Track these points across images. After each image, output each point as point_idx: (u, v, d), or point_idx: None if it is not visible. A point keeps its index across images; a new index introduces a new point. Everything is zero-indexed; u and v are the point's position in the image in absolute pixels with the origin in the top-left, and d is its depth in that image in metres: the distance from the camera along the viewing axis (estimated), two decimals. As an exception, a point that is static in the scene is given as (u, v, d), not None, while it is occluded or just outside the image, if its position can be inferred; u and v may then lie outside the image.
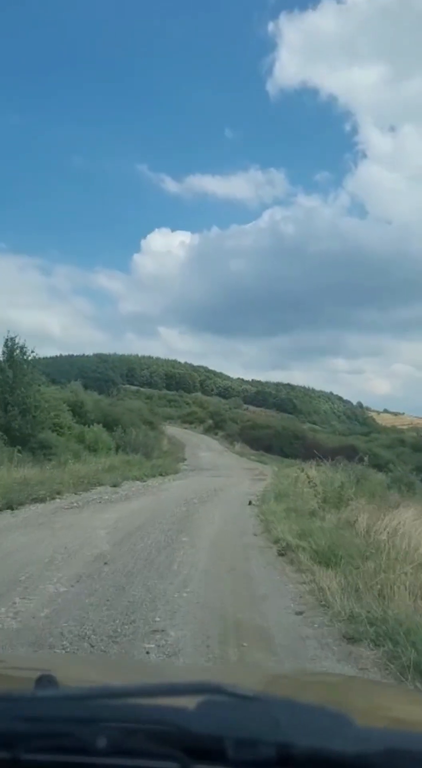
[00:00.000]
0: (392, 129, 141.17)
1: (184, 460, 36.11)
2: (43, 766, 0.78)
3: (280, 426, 48.36)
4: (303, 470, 18.52)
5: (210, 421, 58.18)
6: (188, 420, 62.72)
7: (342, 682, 2.04)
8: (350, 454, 45.02)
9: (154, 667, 2.73)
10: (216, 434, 53.21)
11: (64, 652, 4.40)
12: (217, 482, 21.89)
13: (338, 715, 0.76)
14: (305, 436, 48.02)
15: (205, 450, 43.95)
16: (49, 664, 1.66)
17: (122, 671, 1.88)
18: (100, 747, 0.74)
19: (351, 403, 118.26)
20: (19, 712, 0.78)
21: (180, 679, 1.36)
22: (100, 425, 31.10)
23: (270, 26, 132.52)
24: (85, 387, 47.56)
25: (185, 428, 58.94)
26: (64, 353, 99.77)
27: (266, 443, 46.47)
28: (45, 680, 0.88)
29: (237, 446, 45.44)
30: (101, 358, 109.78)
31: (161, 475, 24.07)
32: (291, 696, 1.15)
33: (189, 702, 0.76)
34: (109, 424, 33.44)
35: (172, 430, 53.95)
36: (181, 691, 0.82)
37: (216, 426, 55.91)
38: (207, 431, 55.84)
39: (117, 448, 30.60)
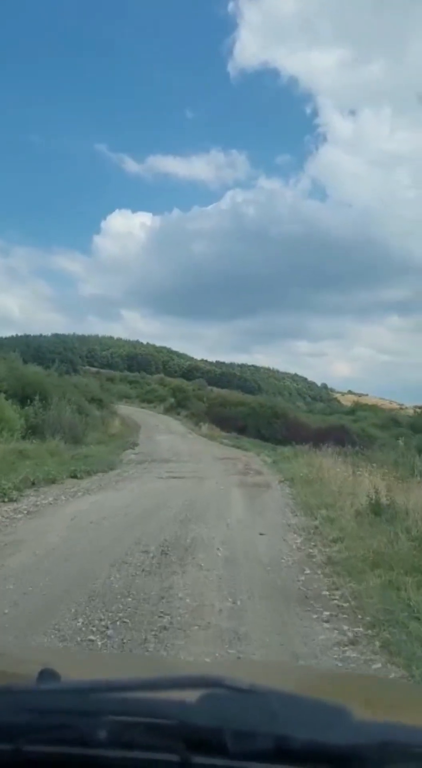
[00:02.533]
0: (352, 113, 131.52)
1: (135, 446, 24.46)
2: (44, 758, 0.74)
3: (256, 403, 36.97)
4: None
5: (171, 400, 46.47)
6: (147, 399, 51.03)
7: (340, 677, 2.06)
8: (339, 435, 33.64)
9: (155, 662, 2.50)
10: (178, 414, 41.57)
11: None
12: (177, 495, 10.13)
13: (335, 708, 0.73)
14: (286, 415, 36.68)
15: (165, 432, 32.45)
16: (51, 659, 1.49)
17: (123, 665, 1.78)
18: (100, 739, 0.71)
19: (316, 385, 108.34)
20: (21, 705, 0.75)
21: (180, 674, 1.28)
22: (5, 397, 18.91)
23: (231, 6, 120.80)
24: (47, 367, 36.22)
25: (143, 408, 47.41)
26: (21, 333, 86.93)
27: (239, 423, 35.04)
28: (47, 674, 0.85)
29: (205, 427, 33.83)
30: (59, 339, 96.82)
31: (75, 476, 12.30)
32: (290, 690, 0.96)
33: (189, 695, 0.73)
34: (28, 397, 20.97)
35: (128, 410, 42.74)
36: (181, 685, 0.79)
37: (178, 405, 44.24)
38: (168, 411, 44.16)
39: (29, 430, 18.54)
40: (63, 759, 0.74)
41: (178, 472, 14.55)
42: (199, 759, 0.71)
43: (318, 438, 39.58)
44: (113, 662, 1.98)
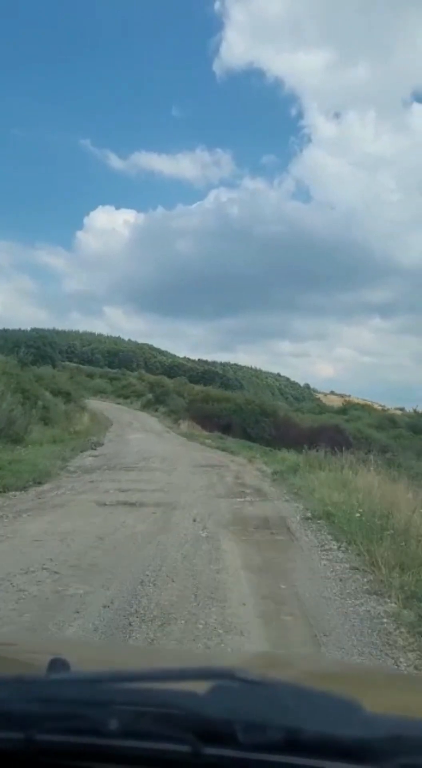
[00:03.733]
0: (337, 115, 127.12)
1: (98, 446, 19.11)
2: (56, 747, 0.72)
3: (243, 399, 31.60)
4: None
5: (149, 395, 40.93)
6: (123, 394, 45.44)
7: (351, 669, 1.92)
8: (334, 436, 28.28)
9: (165, 653, 2.41)
10: (156, 410, 36.07)
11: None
12: (103, 566, 4.17)
13: (345, 701, 0.71)
14: (276, 414, 31.36)
15: (139, 430, 27.05)
16: (62, 649, 1.48)
17: (134, 656, 1.74)
18: (112, 729, 0.70)
19: (299, 385, 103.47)
20: (33, 694, 0.74)
21: (191, 665, 1.19)
22: None
23: (217, 5, 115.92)
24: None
25: (119, 404, 41.84)
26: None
27: (223, 421, 29.69)
28: (58, 664, 0.82)
29: (184, 425, 28.43)
30: (39, 333, 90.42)
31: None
32: (301, 682, 0.96)
33: (200, 687, 0.71)
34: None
35: (101, 405, 37.40)
36: (193, 676, 0.77)
37: (157, 401, 38.73)
38: (145, 407, 38.68)
39: None
40: (74, 748, 0.72)
41: (136, 490, 9.17)
42: (209, 750, 0.69)
43: (311, 439, 34.39)
44: (123, 653, 1.91)
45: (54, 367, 46.03)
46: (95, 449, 19.41)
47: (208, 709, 0.69)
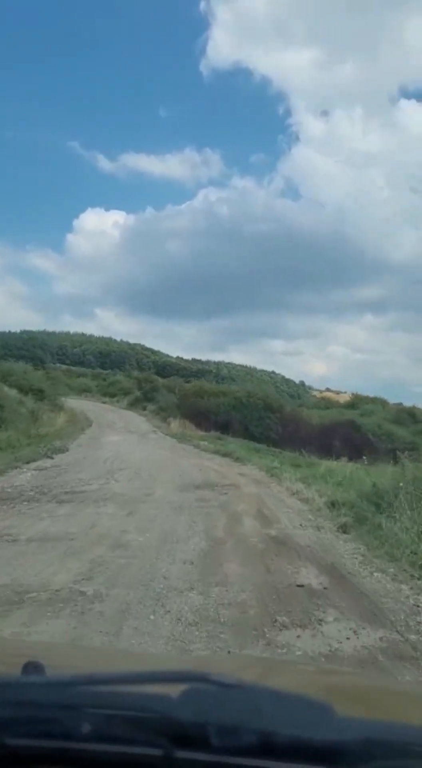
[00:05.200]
0: (325, 113, 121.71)
1: (61, 452, 13.38)
2: (27, 751, 0.69)
3: (244, 393, 25.82)
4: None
5: (137, 393, 35.10)
6: (109, 392, 39.69)
7: (324, 672, 1.88)
8: (349, 433, 22.05)
9: (140, 656, 2.32)
10: (144, 408, 30.33)
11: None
12: None
13: (319, 704, 0.69)
14: (283, 409, 25.63)
15: (120, 432, 21.42)
16: (36, 652, 1.36)
17: (109, 659, 1.58)
18: (84, 732, 0.66)
19: (294, 382, 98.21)
20: (4, 698, 0.70)
21: (165, 668, 1.18)
22: None
23: (203, 5, 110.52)
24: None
25: (105, 402, 36.13)
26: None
27: (221, 419, 23.98)
28: (32, 667, 0.79)
29: (175, 424, 22.69)
30: (29, 335, 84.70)
31: None
32: (275, 685, 0.95)
33: (173, 690, 0.68)
34: None
35: (84, 404, 31.62)
36: (166, 679, 0.74)
37: (145, 398, 32.92)
38: (132, 405, 32.90)
39: None
40: (45, 752, 0.69)
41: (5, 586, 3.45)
42: (182, 753, 0.66)
43: (323, 437, 28.71)
44: (99, 656, 1.72)
45: (43, 367, 40.13)
46: (52, 457, 13.80)
47: (181, 712, 0.66)
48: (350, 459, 25.88)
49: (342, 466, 8.66)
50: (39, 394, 24.30)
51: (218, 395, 25.39)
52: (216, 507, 6.32)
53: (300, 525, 5.62)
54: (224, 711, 0.66)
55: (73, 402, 31.25)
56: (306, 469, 9.83)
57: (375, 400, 35.24)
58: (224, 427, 23.49)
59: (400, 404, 33.73)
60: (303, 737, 0.64)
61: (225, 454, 13.51)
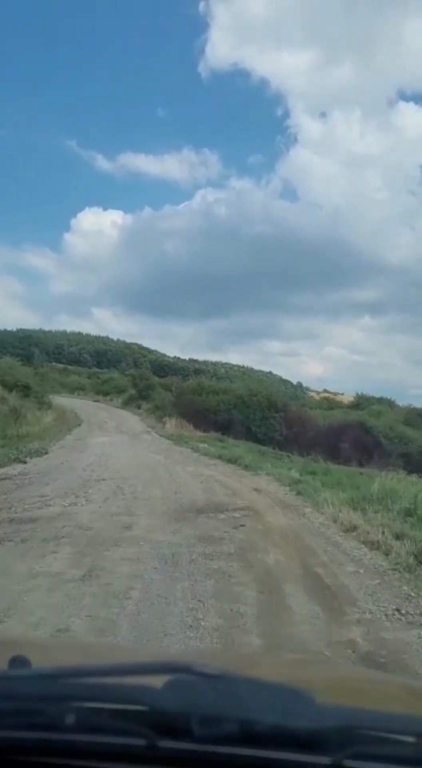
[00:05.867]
0: (322, 115, 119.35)
1: (37, 455, 10.65)
2: (12, 743, 0.68)
3: (246, 390, 23.28)
4: None
5: (132, 391, 32.57)
6: (103, 390, 37.22)
7: (304, 662, 1.81)
8: (359, 435, 19.77)
9: (125, 650, 2.21)
10: (139, 407, 27.85)
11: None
12: None
13: (299, 693, 0.69)
14: (287, 409, 23.15)
15: (110, 432, 19.01)
16: (24, 648, 1.24)
17: (94, 653, 1.57)
18: (68, 724, 0.66)
19: (291, 383, 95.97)
20: None
21: (148, 659, 1.11)
22: None
23: (202, 5, 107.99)
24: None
25: (97, 401, 33.71)
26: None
27: (221, 418, 21.47)
28: (17, 661, 0.77)
29: (171, 423, 20.19)
30: (25, 334, 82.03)
31: None
32: (256, 675, 0.99)
33: (157, 681, 0.68)
34: None
35: (76, 402, 29.37)
36: (149, 671, 0.73)
37: (140, 396, 30.40)
38: (127, 404, 30.42)
39: None
40: (31, 744, 0.68)
41: None
42: (165, 743, 0.66)
43: (331, 439, 26.21)
44: (84, 650, 1.67)
45: (31, 364, 37.45)
46: (26, 462, 11.42)
47: (164, 703, 0.65)
48: (360, 463, 23.49)
49: (399, 481, 6.20)
50: (25, 390, 21.82)
51: (218, 393, 22.90)
52: (233, 558, 3.84)
53: (397, 612, 3.09)
54: (207, 701, 0.65)
55: (63, 400, 28.84)
56: (361, 482, 7.26)
57: (381, 401, 32.77)
58: (224, 428, 21.02)
59: (410, 405, 31.21)
60: (284, 725, 0.63)
61: (229, 460, 11.02)
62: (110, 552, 3.93)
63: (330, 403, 36.34)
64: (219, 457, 11.72)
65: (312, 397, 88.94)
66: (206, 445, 15.04)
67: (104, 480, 8.07)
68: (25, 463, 11.48)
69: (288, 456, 18.45)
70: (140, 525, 4.87)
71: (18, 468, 10.58)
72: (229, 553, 3.97)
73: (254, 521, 5.08)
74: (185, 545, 4.16)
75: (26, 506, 5.74)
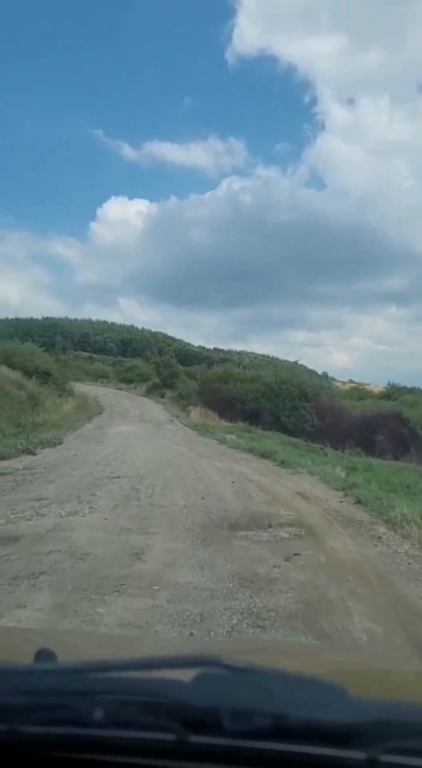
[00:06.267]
0: (350, 101, 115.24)
1: (51, 445, 9.24)
2: (39, 738, 0.68)
3: (274, 378, 21.70)
4: None
5: (156, 379, 31.28)
6: (126, 378, 36.03)
7: (336, 653, 1.80)
8: (395, 427, 18.19)
9: (151, 642, 2.14)
10: (163, 395, 26.54)
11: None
12: None
13: (331, 686, 0.67)
14: (318, 397, 21.55)
15: (133, 421, 17.68)
16: (49, 639, 1.33)
17: (121, 646, 1.53)
18: (96, 719, 0.65)
19: (317, 373, 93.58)
20: (17, 685, 0.69)
21: (176, 653, 1.09)
22: None
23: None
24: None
25: (120, 389, 32.50)
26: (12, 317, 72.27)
27: (249, 408, 20.00)
28: (44, 654, 0.76)
29: (195, 413, 18.77)
30: (51, 322, 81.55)
31: None
32: (286, 667, 0.90)
33: (185, 675, 0.66)
34: None
35: (99, 390, 27.84)
36: (178, 664, 0.72)
37: (164, 384, 29.09)
38: (150, 392, 29.12)
39: None
40: (58, 739, 0.67)
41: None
42: (195, 738, 0.64)
43: (364, 430, 24.51)
44: (110, 642, 1.64)
45: (52, 350, 36.32)
46: (35, 453, 10.20)
47: (194, 697, 0.64)
48: (395, 456, 21.81)
49: None
50: (45, 377, 20.66)
51: (245, 381, 21.39)
52: (297, 625, 2.35)
53: None
54: (236, 695, 0.64)
55: (86, 388, 27.73)
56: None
57: (413, 391, 30.81)
58: (252, 418, 19.55)
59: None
60: (315, 719, 0.62)
61: (262, 454, 9.56)
62: (106, 606, 2.57)
63: (359, 393, 34.36)
64: (250, 451, 10.27)
65: (337, 387, 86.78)
66: (234, 437, 13.61)
67: (118, 478, 6.72)
68: (34, 454, 10.23)
69: (321, 448, 16.91)
70: (155, 551, 3.50)
71: (25, 461, 9.34)
72: (289, 614, 2.55)
73: (311, 546, 3.64)
74: (220, 594, 2.77)
75: (13, 515, 4.42)
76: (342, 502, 5.26)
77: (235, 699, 0.63)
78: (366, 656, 1.98)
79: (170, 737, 0.63)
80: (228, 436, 13.75)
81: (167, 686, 0.65)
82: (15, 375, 18.63)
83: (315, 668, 1.16)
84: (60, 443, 11.70)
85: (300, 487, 6.23)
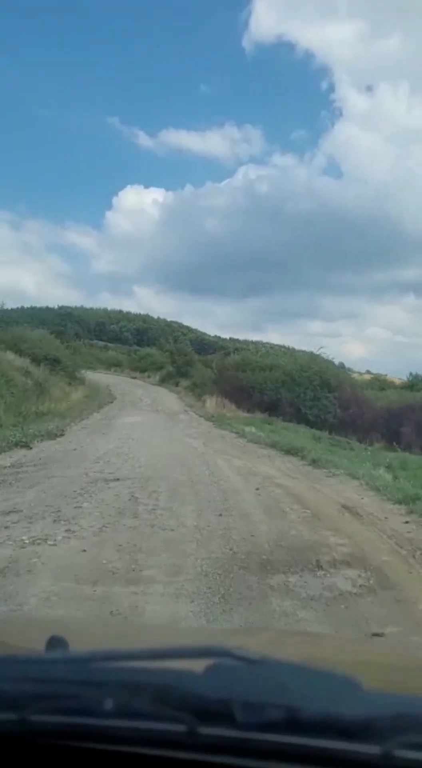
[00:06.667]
0: (369, 88, 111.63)
1: (51, 437, 7.76)
2: (49, 727, 0.67)
3: (295, 366, 20.17)
4: None
5: (170, 368, 29.94)
6: (140, 366, 34.74)
7: (351, 645, 1.66)
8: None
9: (163, 631, 1.98)
10: (177, 384, 25.21)
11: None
12: None
13: (346, 679, 0.65)
14: (342, 386, 20.04)
15: (145, 411, 16.43)
16: (61, 627, 1.20)
17: (131, 635, 1.49)
18: (106, 709, 0.64)
19: (334, 364, 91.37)
20: (27, 674, 0.68)
21: (188, 643, 1.08)
22: None
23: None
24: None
25: (134, 377, 31.24)
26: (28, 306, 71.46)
27: (268, 398, 18.55)
28: (55, 642, 0.75)
29: (211, 402, 17.43)
30: (65, 311, 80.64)
31: None
32: (300, 659, 0.92)
33: (197, 665, 0.65)
34: None
35: (111, 379, 26.85)
36: (189, 655, 0.70)
37: (179, 373, 27.74)
38: (164, 381, 27.80)
39: None
40: (68, 729, 0.66)
41: None
42: (206, 730, 0.62)
43: (390, 422, 22.89)
44: (121, 631, 1.61)
45: (62, 337, 34.97)
46: (31, 447, 9.11)
47: (205, 688, 0.63)
48: (422, 449, 20.26)
49: None
50: (54, 364, 19.40)
51: (264, 369, 19.91)
52: None
53: None
54: (249, 687, 0.63)
55: (99, 376, 26.54)
56: None
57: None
58: (271, 408, 18.11)
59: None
60: (330, 712, 0.60)
61: (288, 450, 8.14)
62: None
63: (380, 383, 32.59)
64: (273, 446, 8.86)
65: (355, 378, 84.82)
66: (253, 429, 12.22)
67: (117, 481, 5.39)
68: (29, 448, 8.96)
69: (347, 442, 15.45)
70: (146, 617, 2.17)
71: (16, 456, 8.07)
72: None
73: (395, 613, 2.25)
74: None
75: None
76: (407, 522, 3.85)
77: (247, 691, 0.62)
78: (382, 647, 1.91)
79: (181, 728, 0.62)
80: (247, 429, 12.35)
81: (178, 677, 0.65)
82: (21, 361, 17.37)
83: (330, 659, 1.13)
84: (61, 435, 10.44)
85: (343, 497, 4.83)
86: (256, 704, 0.61)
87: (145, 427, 11.90)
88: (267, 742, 0.61)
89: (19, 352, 18.08)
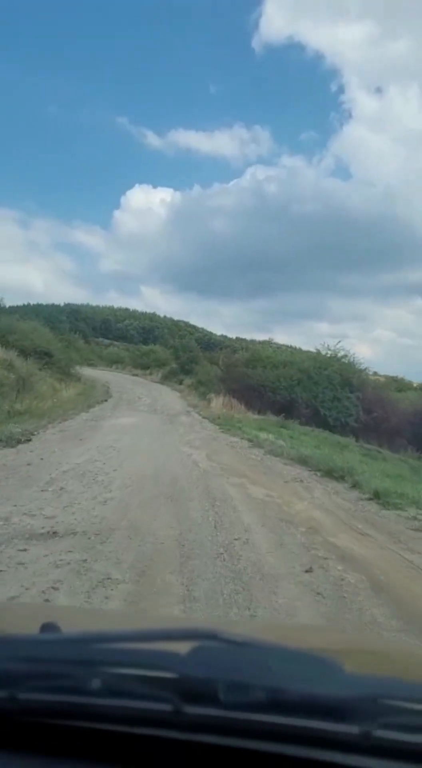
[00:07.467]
0: (378, 90, 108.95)
1: (10, 445, 4.69)
2: (38, 705, 0.68)
3: (311, 363, 17.57)
4: None
5: (173, 364, 27.44)
6: (142, 363, 32.29)
7: (332, 632, 1.77)
8: None
9: (153, 618, 2.06)
10: (180, 382, 22.71)
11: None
12: None
13: (328, 662, 0.67)
14: (364, 386, 17.43)
15: (142, 411, 13.69)
16: (54, 615, 1.12)
17: (124, 621, 1.49)
18: (94, 688, 0.65)
19: (351, 362, 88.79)
20: (18, 654, 0.70)
21: (174, 626, 1.17)
22: None
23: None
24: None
25: (136, 375, 28.81)
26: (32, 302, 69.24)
27: (281, 398, 15.99)
28: (49, 628, 0.77)
29: (217, 402, 14.84)
30: (72, 309, 78.29)
31: None
32: (284, 643, 0.90)
33: (183, 647, 0.66)
34: None
35: (111, 376, 24.23)
36: (176, 637, 0.72)
37: (182, 370, 25.24)
38: (166, 378, 25.31)
39: None
40: (57, 707, 0.67)
41: None
42: (191, 709, 0.64)
43: (418, 426, 20.02)
44: (114, 618, 1.63)
45: (57, 332, 32.48)
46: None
47: (190, 669, 0.64)
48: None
49: None
50: (44, 358, 16.93)
51: (277, 366, 17.35)
52: None
53: None
54: (233, 668, 0.64)
55: (99, 373, 24.12)
56: None
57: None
58: (285, 409, 15.56)
59: None
60: (312, 693, 0.62)
61: (328, 472, 5.58)
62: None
63: (398, 384, 30.00)
64: (303, 462, 6.32)
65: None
66: (270, 436, 9.67)
67: (48, 539, 2.90)
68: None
69: (378, 451, 12.90)
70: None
71: None
72: None
73: None
74: None
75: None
76: None
77: (232, 672, 0.63)
78: (367, 636, 1.93)
79: (166, 708, 0.63)
80: (262, 435, 9.81)
81: (164, 658, 0.65)
82: (5, 354, 14.90)
83: (312, 644, 1.14)
84: (27, 441, 7.97)
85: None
86: (241, 685, 0.60)
87: (137, 432, 9.41)
88: (251, 722, 0.61)
89: (6, 344, 15.65)
